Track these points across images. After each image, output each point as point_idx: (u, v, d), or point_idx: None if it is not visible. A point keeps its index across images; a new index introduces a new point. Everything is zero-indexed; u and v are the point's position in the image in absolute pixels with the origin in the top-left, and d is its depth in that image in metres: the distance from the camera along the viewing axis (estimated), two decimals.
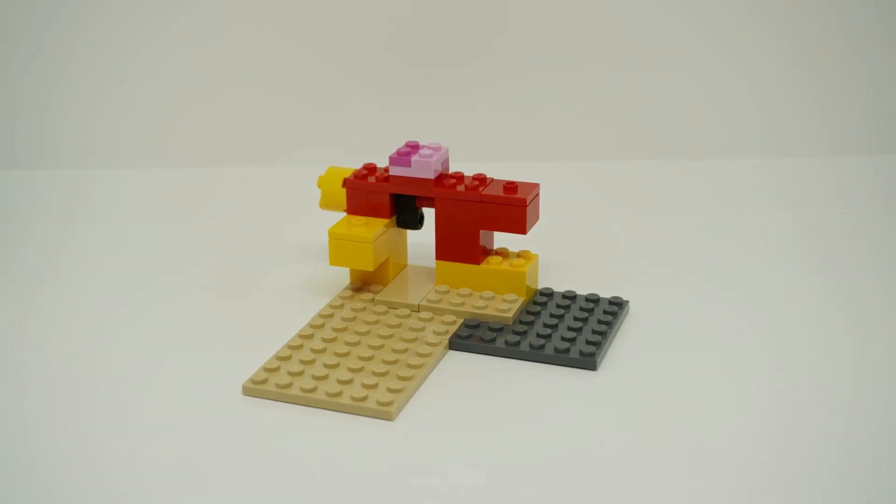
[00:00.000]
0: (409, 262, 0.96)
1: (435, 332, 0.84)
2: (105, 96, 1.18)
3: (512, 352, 0.82)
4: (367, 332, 0.84)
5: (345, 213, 0.93)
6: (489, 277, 0.89)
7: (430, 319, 0.86)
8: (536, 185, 0.90)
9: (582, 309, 0.81)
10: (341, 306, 0.88)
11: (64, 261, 0.99)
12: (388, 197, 0.91)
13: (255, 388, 0.78)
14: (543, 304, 0.88)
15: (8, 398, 0.78)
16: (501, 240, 0.95)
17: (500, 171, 0.93)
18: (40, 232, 1.05)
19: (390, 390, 0.77)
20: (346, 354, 0.81)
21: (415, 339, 0.83)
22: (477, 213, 0.88)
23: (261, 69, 1.19)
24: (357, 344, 0.82)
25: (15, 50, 1.18)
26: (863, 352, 0.83)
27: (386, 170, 0.91)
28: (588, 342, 0.82)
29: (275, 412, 0.76)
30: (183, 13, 1.18)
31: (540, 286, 0.92)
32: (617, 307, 0.87)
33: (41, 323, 0.88)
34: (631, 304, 0.89)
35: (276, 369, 0.79)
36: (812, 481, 0.69)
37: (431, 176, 0.89)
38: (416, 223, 0.92)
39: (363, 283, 0.92)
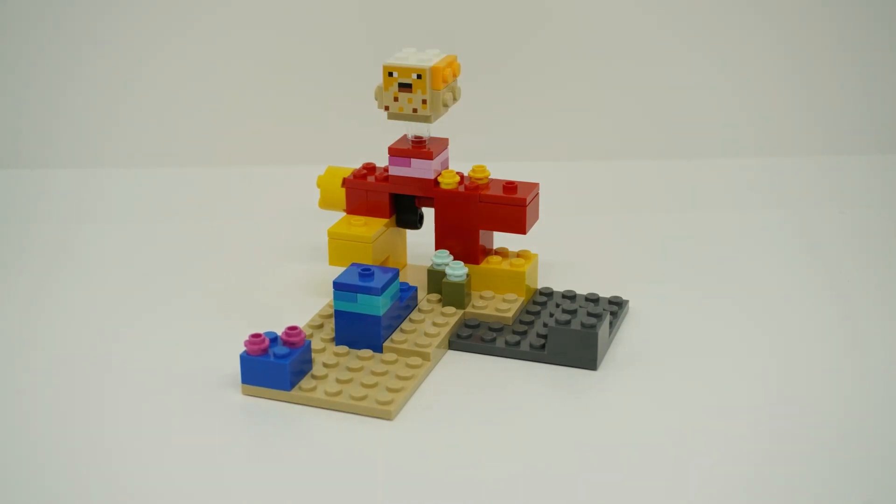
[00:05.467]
0: (409, 261, 0.96)
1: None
2: (106, 96, 1.18)
3: (512, 352, 0.82)
4: None
5: (344, 213, 0.93)
6: (489, 277, 0.89)
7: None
8: (536, 185, 0.89)
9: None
10: None
11: (65, 260, 0.99)
12: (387, 196, 0.91)
13: (255, 388, 0.78)
14: (543, 304, 0.88)
15: (10, 397, 0.78)
16: (501, 239, 0.95)
17: (501, 171, 0.93)
18: (43, 231, 1.05)
19: (389, 390, 0.77)
20: (346, 354, 0.81)
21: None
22: (476, 213, 0.88)
23: (261, 69, 1.19)
24: None
25: (20, 49, 1.18)
26: (862, 351, 0.83)
27: (385, 169, 0.91)
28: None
29: (274, 411, 0.76)
30: (185, 15, 1.18)
31: (540, 286, 0.92)
32: (617, 307, 0.87)
33: (44, 322, 0.88)
34: (631, 304, 0.89)
35: None
36: (812, 481, 0.69)
37: (431, 176, 0.89)
38: (416, 223, 0.92)
39: None
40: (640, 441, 0.73)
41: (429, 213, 0.93)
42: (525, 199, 0.87)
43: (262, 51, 1.19)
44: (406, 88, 0.86)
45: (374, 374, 0.79)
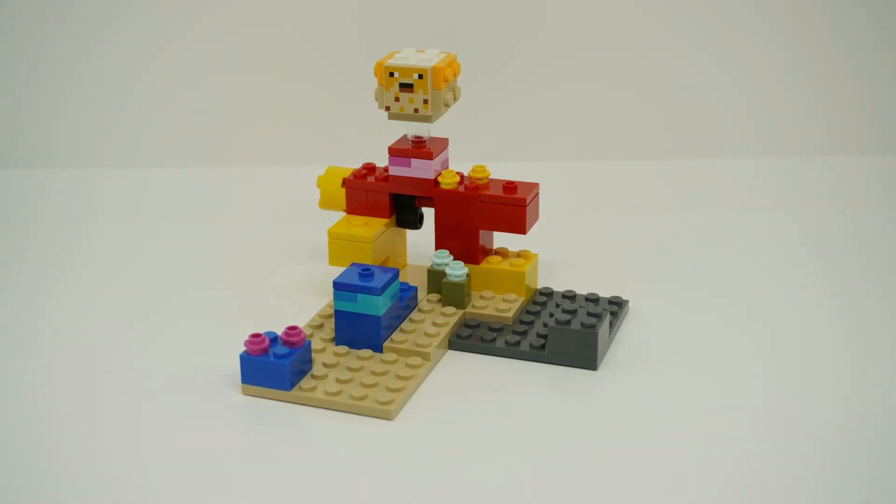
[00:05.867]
0: (409, 261, 0.96)
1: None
2: (106, 96, 1.18)
3: (512, 352, 0.82)
4: None
5: (344, 213, 0.93)
6: (489, 277, 0.89)
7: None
8: (536, 185, 0.89)
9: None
10: None
11: (65, 260, 0.99)
12: (387, 196, 0.91)
13: (255, 388, 0.78)
14: (543, 304, 0.88)
15: (10, 397, 0.78)
16: (501, 239, 0.95)
17: (501, 171, 0.93)
18: (43, 231, 1.05)
19: (390, 389, 0.77)
20: (346, 354, 0.81)
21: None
22: (476, 213, 0.88)
23: (261, 69, 1.19)
24: None
25: (20, 49, 1.18)
26: (862, 351, 0.83)
27: (385, 169, 0.91)
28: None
29: (274, 411, 0.76)
30: (186, 15, 1.18)
31: (540, 286, 0.92)
32: (617, 307, 0.87)
33: (43, 321, 0.88)
34: (631, 304, 0.89)
35: None
36: (812, 481, 0.69)
37: (431, 176, 0.89)
38: (416, 223, 0.92)
39: None
40: (641, 441, 0.73)
41: (429, 213, 0.93)
42: (525, 199, 0.87)
43: (263, 51, 1.19)
44: (407, 88, 0.86)
45: (374, 373, 0.79)
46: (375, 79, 0.87)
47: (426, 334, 0.83)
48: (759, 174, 1.14)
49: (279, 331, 0.81)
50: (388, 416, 0.75)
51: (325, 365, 0.79)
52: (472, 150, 1.04)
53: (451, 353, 0.84)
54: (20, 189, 1.13)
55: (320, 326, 0.85)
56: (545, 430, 0.74)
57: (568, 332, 0.80)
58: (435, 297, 0.87)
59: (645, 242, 1.02)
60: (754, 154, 1.17)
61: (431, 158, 0.89)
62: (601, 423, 0.75)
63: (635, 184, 1.14)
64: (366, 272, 0.81)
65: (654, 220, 1.06)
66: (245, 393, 0.78)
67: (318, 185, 0.94)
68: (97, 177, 1.15)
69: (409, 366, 0.80)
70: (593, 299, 0.88)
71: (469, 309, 0.87)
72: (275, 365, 0.76)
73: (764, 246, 1.00)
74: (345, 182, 0.92)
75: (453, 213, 0.89)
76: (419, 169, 0.89)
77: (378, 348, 0.81)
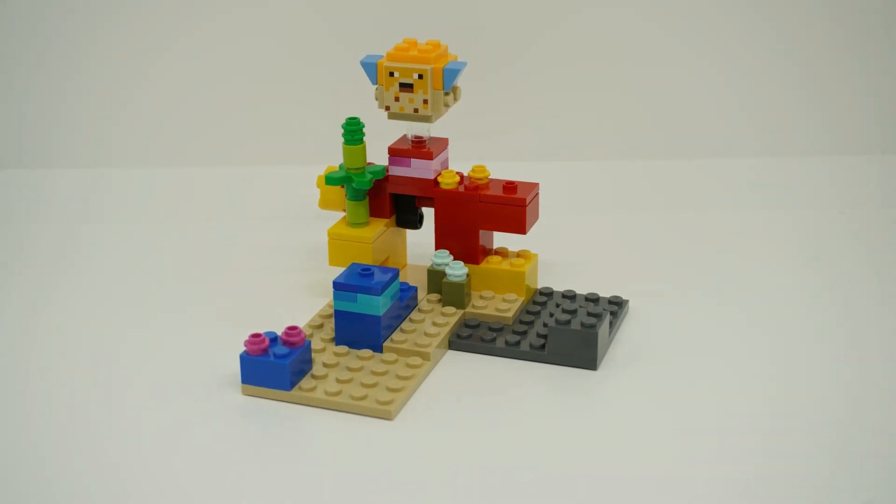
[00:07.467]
0: (409, 261, 0.96)
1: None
2: (108, 96, 1.18)
3: (512, 352, 0.82)
4: None
5: (344, 213, 0.93)
6: (489, 277, 0.89)
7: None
8: (536, 185, 0.90)
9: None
10: None
11: (65, 261, 0.99)
12: (387, 196, 0.91)
13: (255, 388, 0.78)
14: (543, 304, 0.88)
15: (11, 398, 0.78)
16: (501, 239, 0.95)
17: (501, 171, 0.93)
18: (43, 232, 1.05)
19: (390, 389, 0.77)
20: (346, 354, 0.81)
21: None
22: (476, 213, 0.88)
23: (261, 69, 1.19)
24: None
25: (21, 49, 1.18)
26: (862, 351, 0.83)
27: (386, 169, 0.91)
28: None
29: (274, 411, 0.76)
30: (187, 15, 1.18)
31: (540, 286, 0.92)
32: (617, 307, 0.87)
33: (43, 322, 0.88)
34: (631, 304, 0.89)
35: None
36: (812, 481, 0.69)
37: (431, 176, 0.89)
38: (416, 223, 0.92)
39: None
40: (640, 441, 0.73)
41: (429, 213, 0.93)
42: (525, 199, 0.87)
43: (263, 51, 1.19)
44: (407, 88, 0.86)
45: (374, 373, 0.79)
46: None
47: (426, 334, 0.83)
48: (758, 174, 1.14)
49: (279, 331, 0.81)
50: (388, 416, 0.75)
51: (325, 365, 0.79)
52: (472, 150, 1.04)
53: (451, 353, 0.84)
54: (20, 189, 1.13)
55: (320, 326, 0.85)
56: (545, 430, 0.74)
57: (568, 332, 0.80)
58: (435, 297, 0.88)
59: (645, 242, 1.02)
60: (754, 154, 1.17)
61: (431, 158, 0.89)
62: (601, 423, 0.75)
63: (635, 184, 1.14)
64: (366, 272, 0.81)
65: (653, 220, 1.06)
66: (245, 393, 0.78)
67: (318, 186, 0.94)
68: (97, 177, 1.15)
69: (409, 366, 0.80)
70: (593, 299, 0.88)
71: (469, 309, 0.87)
72: (275, 365, 0.76)
73: (763, 246, 1.01)
74: None
75: (453, 213, 0.89)
76: (419, 169, 0.89)
77: (378, 348, 0.81)
